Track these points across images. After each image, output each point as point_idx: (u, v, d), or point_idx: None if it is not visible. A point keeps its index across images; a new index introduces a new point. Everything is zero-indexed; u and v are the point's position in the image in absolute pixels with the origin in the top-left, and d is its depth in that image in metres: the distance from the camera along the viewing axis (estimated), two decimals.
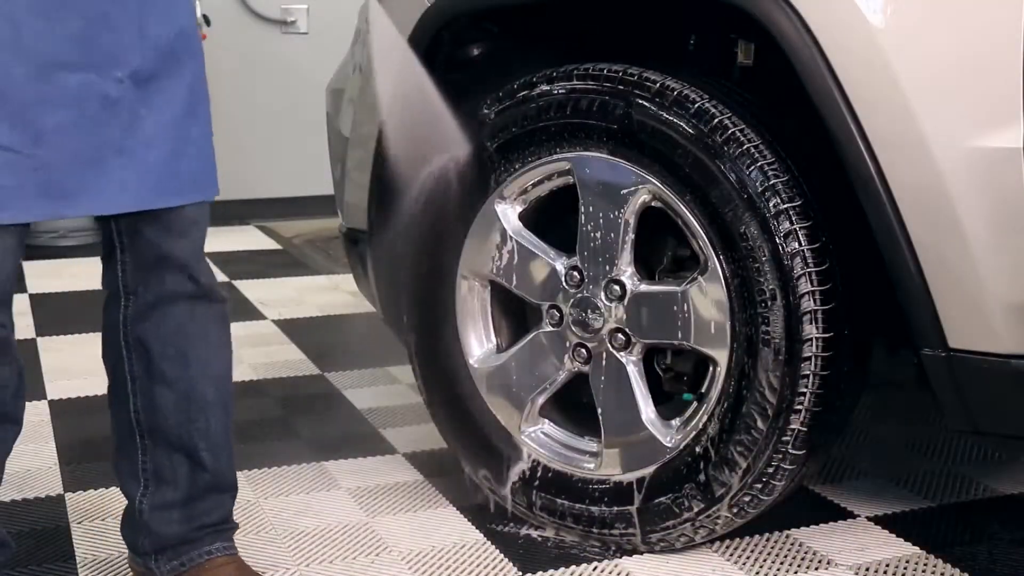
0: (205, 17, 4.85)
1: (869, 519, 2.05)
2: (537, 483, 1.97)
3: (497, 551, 1.94)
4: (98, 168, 1.47)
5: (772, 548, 1.93)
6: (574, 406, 2.01)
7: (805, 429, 1.73)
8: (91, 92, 1.45)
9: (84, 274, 4.24)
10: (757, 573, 1.85)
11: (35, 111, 1.41)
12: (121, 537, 1.77)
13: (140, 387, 1.65)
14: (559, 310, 1.92)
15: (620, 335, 1.86)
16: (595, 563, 1.89)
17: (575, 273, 1.90)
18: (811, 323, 1.68)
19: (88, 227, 4.94)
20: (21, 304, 3.63)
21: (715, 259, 1.74)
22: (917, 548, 1.93)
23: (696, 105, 1.75)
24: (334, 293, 4.02)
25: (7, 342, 1.47)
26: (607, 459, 1.91)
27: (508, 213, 1.98)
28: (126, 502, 1.73)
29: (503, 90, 1.94)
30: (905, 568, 1.87)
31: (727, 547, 1.93)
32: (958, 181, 1.50)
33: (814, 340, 1.68)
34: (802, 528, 2.00)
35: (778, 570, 1.86)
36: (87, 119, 1.45)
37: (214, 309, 1.65)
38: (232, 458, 1.71)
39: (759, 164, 1.70)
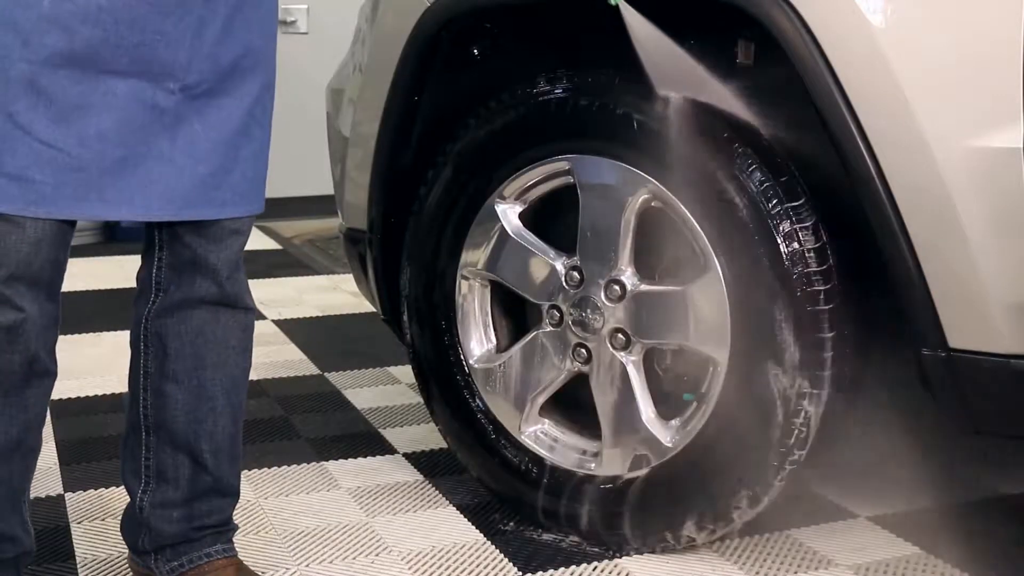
0: None
1: (869, 519, 2.05)
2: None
3: (497, 551, 1.94)
4: (143, 176, 1.48)
5: (772, 548, 1.93)
6: (574, 406, 2.01)
7: (805, 429, 1.73)
8: (140, 99, 1.45)
9: (84, 274, 4.25)
10: (757, 573, 1.85)
11: (79, 113, 1.42)
12: (121, 537, 1.77)
13: (151, 383, 1.65)
14: (559, 310, 1.92)
15: (620, 335, 1.86)
16: (595, 563, 1.89)
17: (575, 273, 1.90)
18: (811, 323, 1.68)
19: (88, 227, 4.94)
20: None
21: (715, 259, 1.74)
22: (917, 548, 1.94)
23: (696, 105, 1.75)
24: (334, 293, 4.03)
25: (18, 328, 1.46)
26: (607, 459, 1.91)
27: (508, 213, 1.98)
28: (126, 502, 1.73)
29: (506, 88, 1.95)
30: (905, 568, 1.87)
31: (727, 547, 1.93)
32: (958, 181, 1.49)
33: (814, 340, 1.68)
34: (802, 528, 2.00)
35: (778, 570, 1.86)
36: (134, 126, 1.45)
37: (239, 317, 1.65)
38: (237, 465, 1.71)
39: (759, 164, 1.70)
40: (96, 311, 3.66)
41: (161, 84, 1.46)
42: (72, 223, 1.50)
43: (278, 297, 3.94)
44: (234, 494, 1.72)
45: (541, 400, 1.99)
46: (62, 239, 1.49)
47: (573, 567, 1.88)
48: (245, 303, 1.66)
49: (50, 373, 1.54)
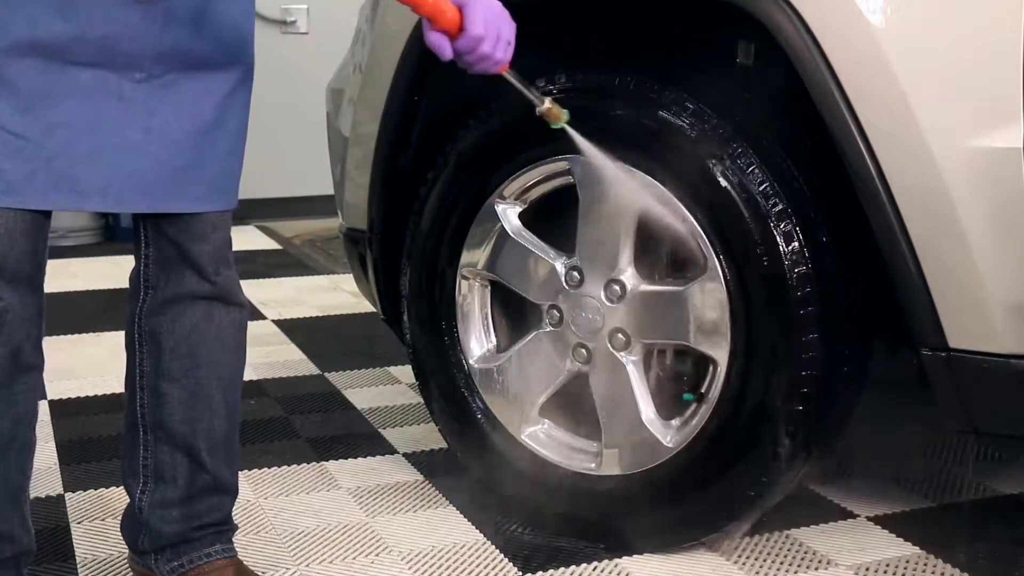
0: None
1: (869, 519, 2.05)
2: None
3: (497, 551, 1.94)
4: (117, 167, 1.47)
5: (772, 548, 1.93)
6: (574, 406, 2.01)
7: (805, 429, 1.72)
8: (105, 89, 1.44)
9: (84, 274, 4.25)
10: (757, 573, 1.85)
11: (45, 103, 1.41)
12: (121, 537, 1.77)
13: (148, 382, 1.65)
14: (559, 310, 1.92)
15: (620, 335, 1.86)
16: (595, 563, 1.89)
17: (575, 273, 1.90)
18: (811, 323, 1.68)
19: (88, 227, 4.94)
20: None
21: (715, 259, 1.74)
22: (917, 548, 1.94)
23: (695, 105, 1.75)
24: (334, 293, 4.03)
25: (0, 319, 1.45)
26: (607, 459, 1.91)
27: (508, 213, 1.98)
28: (126, 502, 1.73)
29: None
30: (905, 568, 1.87)
31: (727, 547, 1.93)
32: (958, 181, 1.50)
33: (814, 340, 1.68)
34: (802, 528, 2.00)
35: (778, 570, 1.86)
36: (102, 117, 1.45)
37: (232, 314, 1.65)
38: (234, 462, 1.71)
39: (759, 164, 1.70)
40: (96, 311, 3.66)
41: (126, 74, 1.45)
42: (47, 214, 1.48)
43: (278, 297, 3.94)
44: (232, 491, 1.72)
45: (541, 400, 1.99)
46: (38, 230, 1.47)
47: (573, 567, 1.88)
48: (238, 300, 1.66)
49: (36, 366, 1.53)
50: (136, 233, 1.63)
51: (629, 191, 1.79)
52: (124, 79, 1.46)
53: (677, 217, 1.76)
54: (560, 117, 1.70)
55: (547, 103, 1.68)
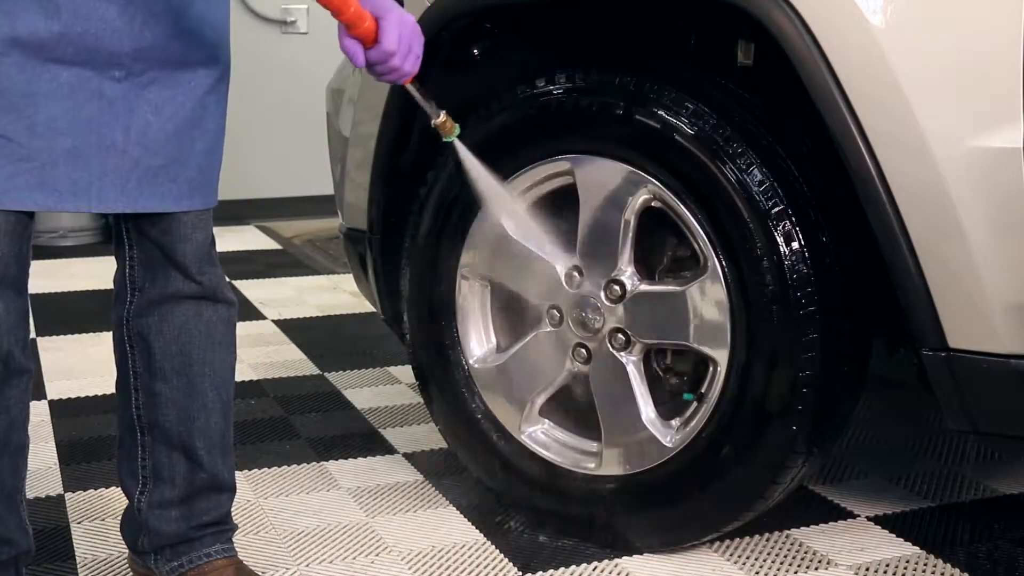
0: None
1: (869, 519, 2.05)
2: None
3: (497, 551, 1.94)
4: (97, 167, 1.46)
5: (772, 548, 1.93)
6: (574, 406, 2.01)
7: (805, 429, 1.73)
8: (86, 88, 1.43)
9: (84, 274, 4.25)
10: (757, 573, 1.85)
11: (27, 102, 1.40)
12: (121, 537, 1.77)
13: (141, 383, 1.65)
14: (559, 310, 1.92)
15: (620, 335, 1.86)
16: (595, 563, 1.89)
17: (575, 273, 1.90)
18: (811, 323, 1.68)
19: (88, 227, 4.94)
20: None
21: (715, 259, 1.74)
22: (917, 548, 1.94)
23: (695, 105, 1.75)
24: (334, 293, 4.03)
25: None
26: (607, 459, 1.91)
27: None
28: (126, 501, 1.73)
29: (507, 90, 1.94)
30: (905, 568, 1.87)
31: (727, 547, 1.93)
32: (958, 181, 1.50)
33: (814, 340, 1.68)
34: (802, 528, 2.00)
35: (778, 570, 1.86)
36: (83, 116, 1.44)
37: (220, 311, 1.65)
38: (231, 459, 1.71)
39: (759, 164, 1.70)
40: (96, 311, 3.65)
41: (106, 73, 1.44)
42: (30, 215, 1.47)
43: (278, 297, 3.94)
44: (230, 488, 1.72)
45: (541, 400, 1.99)
46: (22, 231, 1.46)
47: (573, 567, 1.88)
48: (226, 297, 1.66)
49: (27, 370, 1.52)
50: (118, 235, 1.62)
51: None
52: (105, 78, 1.45)
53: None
54: (452, 131, 1.73)
55: (442, 116, 1.71)
